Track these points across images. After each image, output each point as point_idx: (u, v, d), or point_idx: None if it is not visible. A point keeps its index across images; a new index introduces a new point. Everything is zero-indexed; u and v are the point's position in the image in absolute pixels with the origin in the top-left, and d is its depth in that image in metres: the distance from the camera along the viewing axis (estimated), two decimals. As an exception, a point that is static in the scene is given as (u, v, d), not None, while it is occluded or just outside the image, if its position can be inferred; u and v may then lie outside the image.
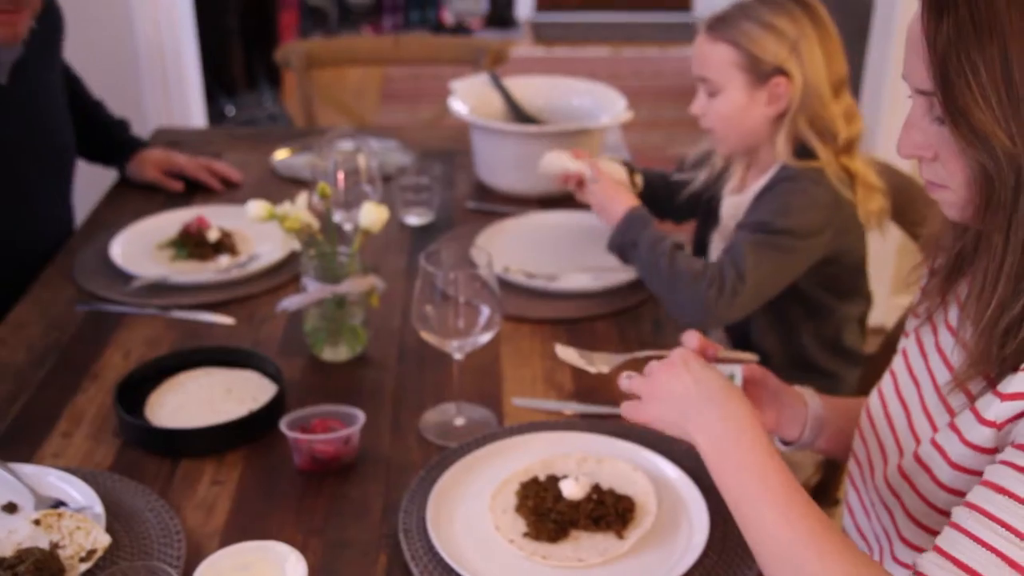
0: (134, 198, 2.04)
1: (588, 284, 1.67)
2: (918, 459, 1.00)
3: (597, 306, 1.62)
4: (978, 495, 0.85)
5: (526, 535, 1.14)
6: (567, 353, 1.22)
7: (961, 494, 0.92)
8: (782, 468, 0.93)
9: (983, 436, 0.91)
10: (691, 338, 1.17)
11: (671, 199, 1.88)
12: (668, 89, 5.41)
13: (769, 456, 0.94)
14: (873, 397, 1.16)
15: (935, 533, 0.91)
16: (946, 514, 0.94)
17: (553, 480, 1.19)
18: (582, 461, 1.25)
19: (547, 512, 1.15)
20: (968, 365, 0.93)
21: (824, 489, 1.70)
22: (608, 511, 1.15)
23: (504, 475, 1.23)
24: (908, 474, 1.01)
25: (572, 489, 1.16)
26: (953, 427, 0.95)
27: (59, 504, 1.16)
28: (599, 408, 1.39)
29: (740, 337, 1.72)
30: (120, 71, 2.96)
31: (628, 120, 2.05)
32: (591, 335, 1.57)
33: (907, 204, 1.70)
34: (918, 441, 1.03)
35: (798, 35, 1.54)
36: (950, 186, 0.91)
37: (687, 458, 1.27)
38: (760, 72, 1.56)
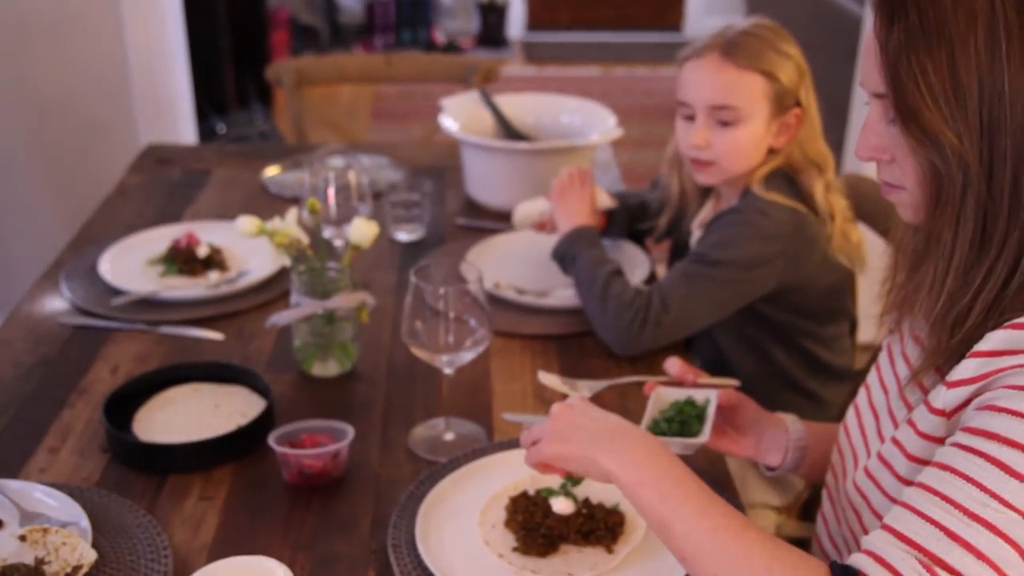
0: (125, 213, 2.04)
1: (577, 301, 1.68)
2: (880, 457, 1.01)
3: (586, 322, 1.61)
4: (926, 474, 0.87)
5: (515, 550, 1.14)
6: (550, 379, 1.24)
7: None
8: (701, 483, 0.95)
9: (933, 425, 0.93)
10: (673, 364, 1.20)
11: (640, 227, 1.88)
12: (658, 108, 5.43)
13: (685, 472, 0.96)
14: (850, 410, 1.17)
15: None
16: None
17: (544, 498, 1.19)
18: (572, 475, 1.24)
19: (536, 527, 1.15)
20: (922, 360, 0.96)
21: (814, 505, 1.70)
22: (598, 525, 1.15)
23: (494, 490, 1.22)
24: (872, 473, 1.03)
25: (562, 504, 1.16)
26: (909, 421, 0.97)
27: (45, 520, 1.15)
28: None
29: (716, 362, 1.71)
30: (111, 89, 2.97)
31: (618, 137, 2.06)
32: (580, 351, 1.57)
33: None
34: (883, 440, 1.04)
35: (804, 65, 1.55)
36: (906, 187, 0.94)
37: (677, 473, 1.27)
38: (783, 104, 1.54)
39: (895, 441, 0.99)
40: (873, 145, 0.96)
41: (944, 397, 0.91)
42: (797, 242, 1.55)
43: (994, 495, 0.82)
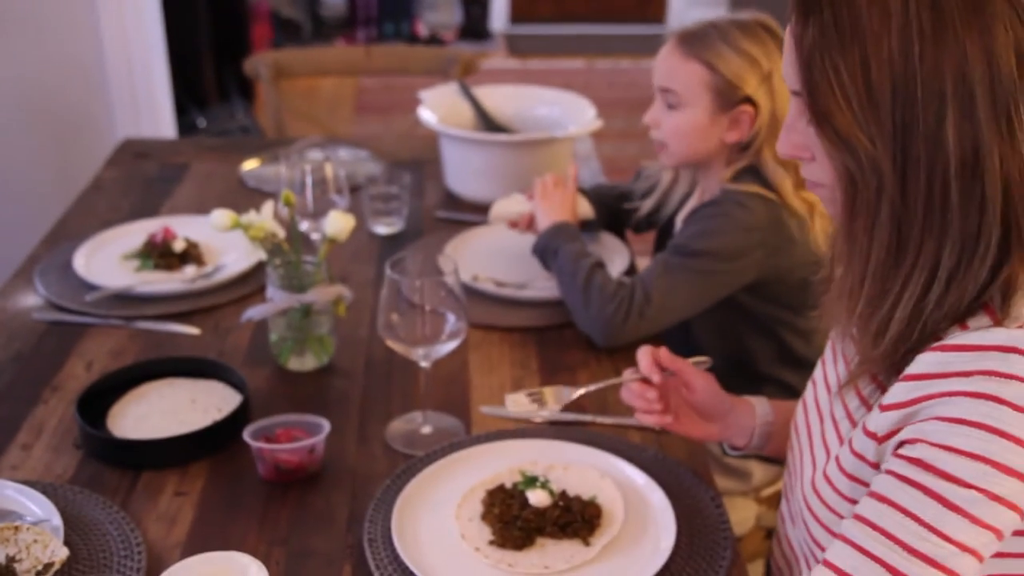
0: (100, 208, 2.02)
1: (557, 293, 1.67)
2: (825, 474, 1.00)
3: (566, 314, 1.61)
4: (863, 506, 0.87)
5: (492, 543, 1.13)
6: (516, 403, 1.23)
7: (855, 503, 0.93)
8: None
9: (864, 445, 0.92)
10: (643, 355, 1.19)
11: (628, 212, 1.88)
12: (642, 100, 5.38)
13: None
14: (799, 405, 1.16)
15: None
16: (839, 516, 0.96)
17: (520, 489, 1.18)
18: (549, 468, 1.24)
19: (513, 520, 1.14)
20: (855, 365, 0.95)
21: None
22: (575, 518, 1.14)
23: (471, 483, 1.22)
24: (818, 488, 1.01)
25: (538, 496, 1.16)
26: (848, 440, 0.96)
27: (17, 517, 1.14)
28: (567, 416, 1.38)
29: (686, 349, 1.71)
30: (88, 83, 2.94)
31: (597, 129, 2.05)
32: (559, 343, 1.57)
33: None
34: (828, 451, 1.03)
35: (771, 67, 1.54)
36: (827, 184, 0.92)
37: (654, 464, 1.27)
38: (729, 98, 1.55)
39: (837, 459, 0.98)
40: (794, 143, 0.94)
41: (877, 420, 0.90)
42: (776, 233, 1.55)
43: (932, 529, 0.83)
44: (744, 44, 1.54)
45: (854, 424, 0.98)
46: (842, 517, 0.96)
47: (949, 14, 0.82)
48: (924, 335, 0.88)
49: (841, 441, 1.00)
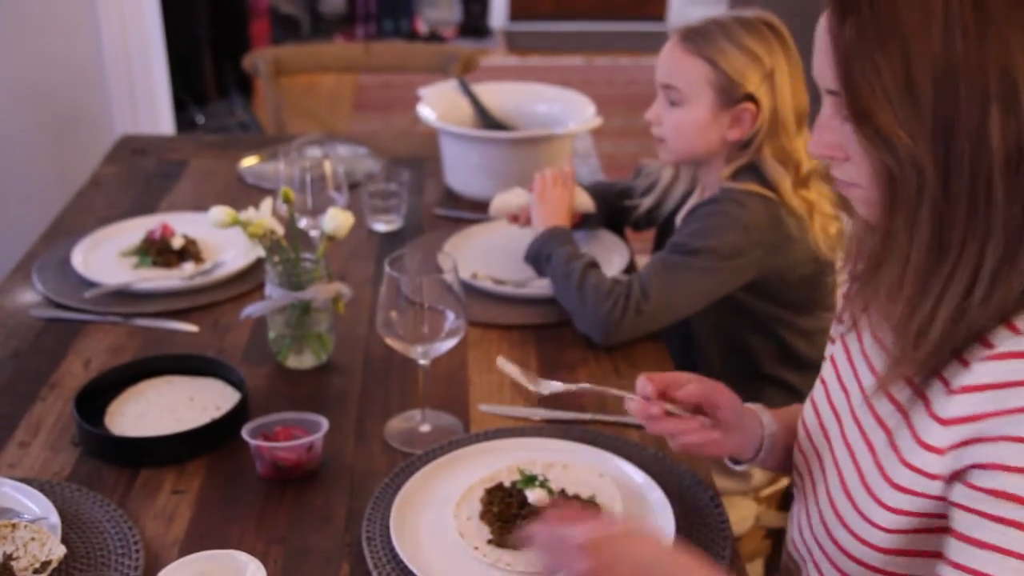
0: (99, 205, 2.02)
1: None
2: (864, 482, 0.98)
3: (565, 312, 1.60)
4: (956, 552, 0.85)
5: (491, 542, 1.13)
6: (508, 368, 1.20)
7: (901, 512, 0.92)
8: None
9: (925, 460, 0.90)
10: (644, 384, 1.09)
11: (627, 210, 1.87)
12: (641, 98, 5.41)
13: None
14: (807, 406, 1.15)
15: (873, 547, 0.93)
16: (886, 530, 0.93)
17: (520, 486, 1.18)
18: (548, 467, 1.23)
19: (512, 518, 1.14)
20: (888, 368, 0.93)
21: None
22: (573, 517, 1.14)
23: (469, 482, 1.22)
24: (852, 494, 1.00)
25: (537, 495, 1.15)
26: (895, 449, 0.94)
27: (14, 515, 1.14)
28: (566, 414, 1.38)
29: (684, 347, 1.71)
30: (87, 79, 2.94)
31: (597, 126, 2.05)
32: (558, 341, 1.56)
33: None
34: (853, 456, 1.01)
35: (773, 65, 1.54)
36: (861, 185, 0.91)
37: (653, 463, 1.26)
38: (731, 95, 1.55)
39: (879, 467, 0.96)
40: (828, 143, 0.93)
41: (938, 435, 0.88)
42: (775, 232, 1.55)
43: None
44: (747, 41, 1.53)
45: (887, 432, 0.96)
46: (882, 528, 0.94)
47: (991, 9, 0.81)
48: (970, 335, 0.87)
49: (871, 449, 0.98)
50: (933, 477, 0.90)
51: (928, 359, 0.89)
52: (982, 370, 0.85)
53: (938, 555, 0.91)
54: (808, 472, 1.12)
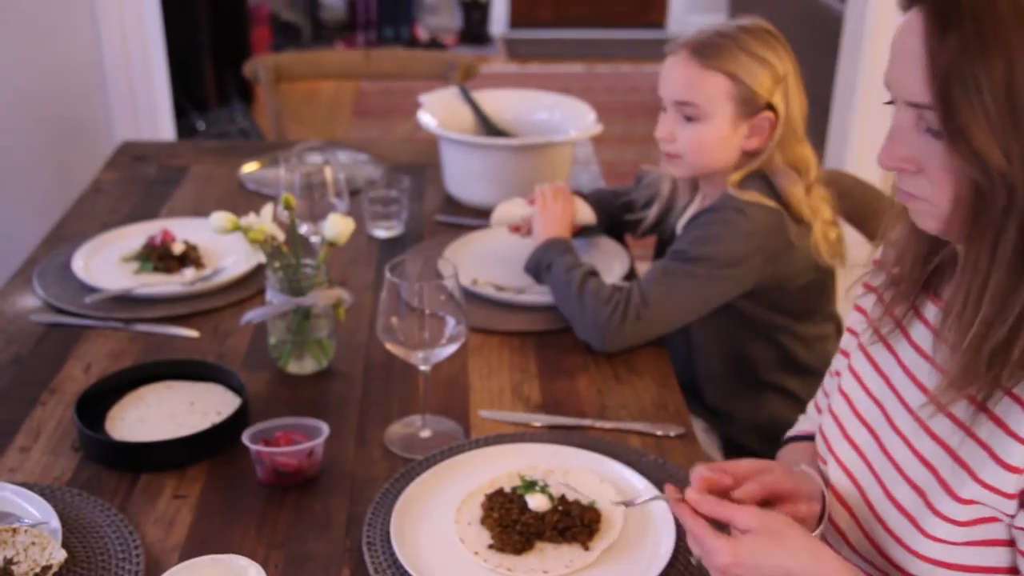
0: (99, 211, 2.02)
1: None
2: (918, 492, 0.97)
3: (565, 319, 1.61)
4: None
5: (491, 547, 1.13)
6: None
7: (963, 524, 0.91)
8: None
9: (1003, 480, 0.89)
10: (697, 475, 1.01)
11: (627, 218, 1.87)
12: (641, 105, 5.43)
13: None
14: (826, 419, 1.13)
15: (926, 559, 0.93)
16: (942, 541, 0.93)
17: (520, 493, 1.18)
18: (549, 473, 1.24)
19: (512, 524, 1.14)
20: (948, 387, 0.91)
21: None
22: (574, 522, 1.14)
23: (470, 487, 1.22)
24: (903, 505, 0.98)
25: (538, 501, 1.15)
26: (960, 463, 0.93)
27: (15, 520, 1.14)
28: (566, 420, 1.38)
29: (684, 354, 1.71)
30: (87, 86, 2.94)
31: (597, 133, 2.05)
32: (559, 347, 1.56)
33: (875, 215, 1.70)
34: (898, 467, 1.00)
35: (785, 71, 1.54)
36: (929, 200, 0.89)
37: (653, 469, 1.27)
38: (751, 106, 1.54)
39: (941, 483, 0.94)
40: (902, 155, 0.90)
41: (1020, 455, 0.87)
42: (776, 240, 1.55)
43: None
44: (760, 50, 1.53)
45: (948, 449, 0.94)
46: (939, 540, 0.94)
47: None
48: None
49: (927, 465, 0.96)
50: (1008, 496, 0.89)
51: (998, 381, 0.88)
52: None
53: (981, 570, 0.91)
54: (851, 484, 1.09)
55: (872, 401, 1.07)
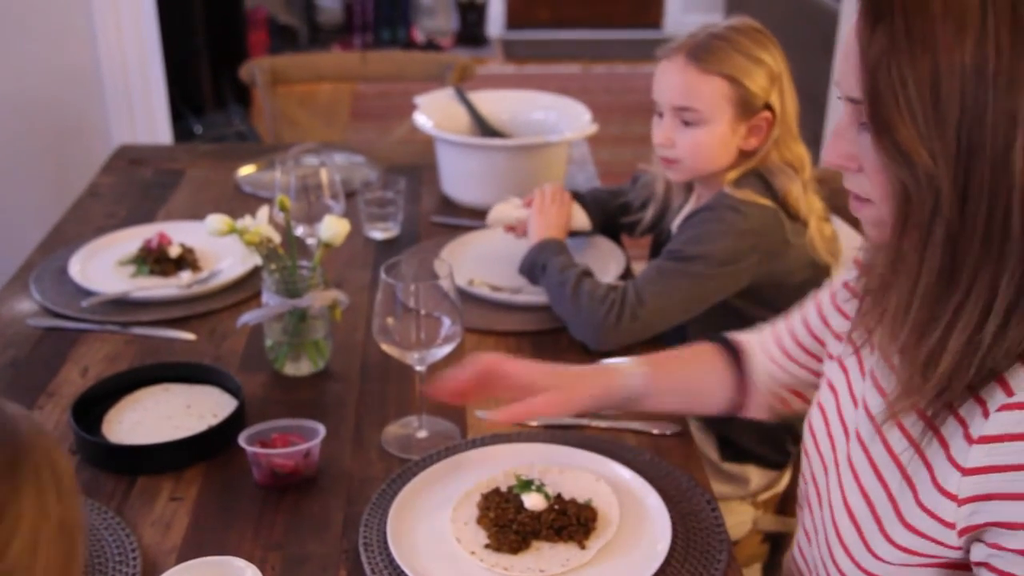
0: (96, 214, 2.02)
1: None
2: (872, 510, 0.96)
3: (560, 319, 1.61)
4: None
5: (487, 546, 1.13)
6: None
7: (910, 552, 0.90)
8: None
9: (943, 508, 0.87)
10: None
11: (624, 220, 1.88)
12: (638, 105, 5.43)
13: None
14: (815, 410, 1.13)
15: None
16: (885, 561, 0.92)
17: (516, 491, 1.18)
18: (545, 472, 1.24)
19: (509, 523, 1.14)
20: (897, 396, 0.89)
21: (791, 499, 1.70)
22: (570, 521, 1.14)
23: (466, 487, 1.22)
24: (858, 519, 0.98)
25: (534, 500, 1.16)
26: (909, 484, 0.91)
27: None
28: (562, 419, 1.38)
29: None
30: (84, 89, 2.94)
31: (593, 134, 2.05)
32: (554, 347, 1.57)
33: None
34: (856, 477, 0.99)
35: (779, 70, 1.55)
36: (873, 200, 0.88)
37: (649, 468, 1.27)
38: (750, 107, 1.54)
39: (892, 503, 0.93)
40: (843, 152, 0.89)
41: (958, 483, 0.85)
42: (771, 239, 1.55)
43: None
44: (755, 50, 1.53)
45: (900, 467, 0.93)
46: (886, 562, 0.93)
47: None
48: (984, 372, 0.83)
49: (882, 482, 0.95)
50: (948, 525, 0.87)
51: (940, 392, 0.85)
52: (1001, 420, 0.82)
53: None
54: (812, 480, 1.11)
55: (850, 398, 1.06)
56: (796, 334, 1.26)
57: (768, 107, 1.55)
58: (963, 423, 0.86)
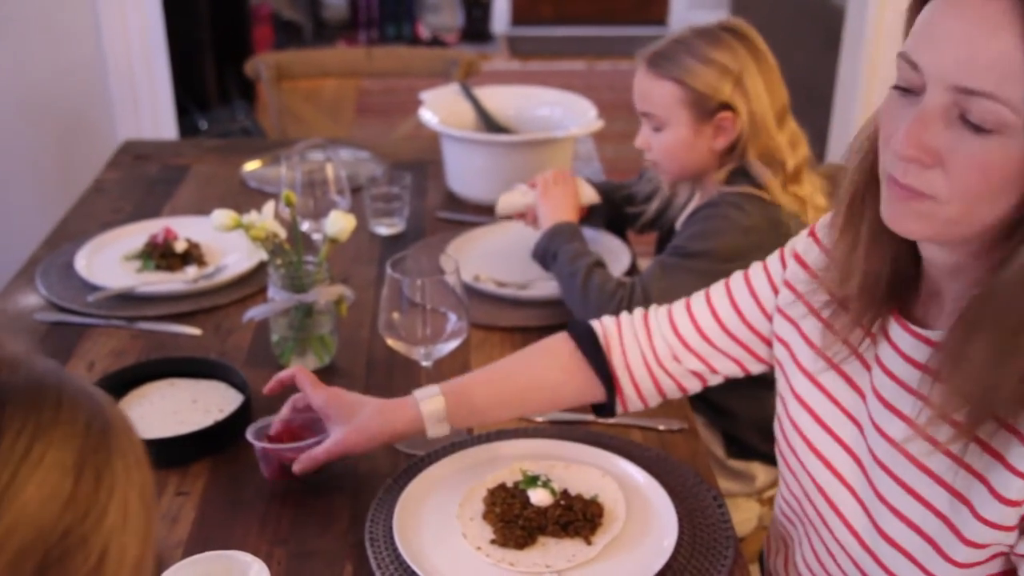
0: (101, 210, 2.02)
1: (558, 292, 1.67)
2: (919, 532, 0.93)
3: (567, 314, 1.61)
4: None
5: (493, 542, 1.13)
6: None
7: (970, 566, 0.89)
8: None
9: (1004, 515, 0.86)
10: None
11: (632, 215, 1.88)
12: (643, 102, 5.43)
13: None
14: (787, 428, 1.10)
15: None
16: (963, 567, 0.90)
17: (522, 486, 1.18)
18: (551, 467, 1.24)
19: (515, 518, 1.14)
20: (971, 412, 0.84)
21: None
22: (576, 516, 1.14)
23: (472, 483, 1.22)
24: (903, 545, 0.95)
25: (540, 495, 1.15)
26: (964, 502, 0.89)
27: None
28: (568, 415, 1.38)
29: None
30: (89, 84, 2.94)
31: (598, 129, 2.05)
32: (561, 342, 1.56)
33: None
34: (885, 501, 0.96)
35: (740, 69, 1.55)
36: (940, 197, 0.82)
37: (656, 463, 1.27)
38: (705, 108, 1.56)
39: (947, 523, 0.90)
40: (924, 145, 0.81)
41: (1018, 489, 0.84)
42: (773, 233, 1.54)
43: None
44: (710, 53, 1.54)
45: (944, 485, 0.90)
46: (921, 568, 0.92)
47: None
48: None
49: (927, 505, 0.92)
50: (1009, 529, 0.86)
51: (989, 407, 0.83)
52: None
53: None
54: (815, 510, 1.07)
55: (847, 418, 1.02)
56: (728, 327, 1.21)
57: (728, 107, 1.55)
58: (1016, 432, 0.84)
